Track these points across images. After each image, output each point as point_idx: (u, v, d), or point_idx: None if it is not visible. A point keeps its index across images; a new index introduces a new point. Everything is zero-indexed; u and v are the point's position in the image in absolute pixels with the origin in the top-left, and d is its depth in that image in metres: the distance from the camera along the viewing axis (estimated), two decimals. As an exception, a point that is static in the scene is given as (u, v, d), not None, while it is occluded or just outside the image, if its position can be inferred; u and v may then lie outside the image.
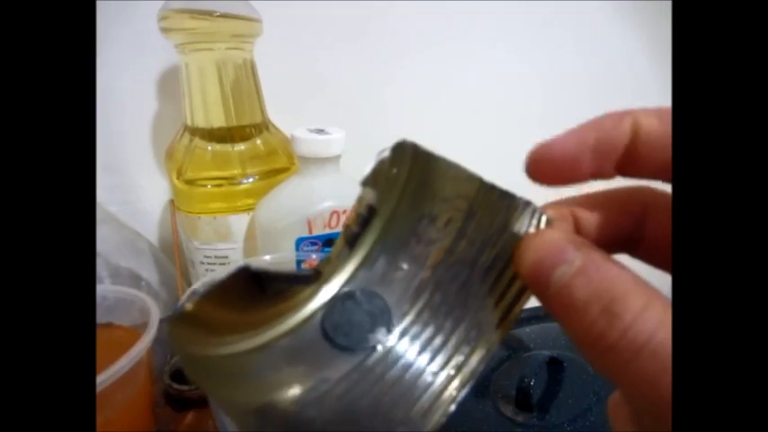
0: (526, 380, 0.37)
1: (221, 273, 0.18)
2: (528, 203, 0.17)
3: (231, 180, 0.51)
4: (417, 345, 0.17)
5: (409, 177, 0.18)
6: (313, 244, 0.48)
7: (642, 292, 0.14)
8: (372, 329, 0.17)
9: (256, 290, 0.18)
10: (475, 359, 0.17)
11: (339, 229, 0.45)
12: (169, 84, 0.58)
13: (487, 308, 0.17)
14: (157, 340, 0.36)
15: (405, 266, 0.17)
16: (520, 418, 0.37)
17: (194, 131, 0.51)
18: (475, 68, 0.69)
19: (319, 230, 0.48)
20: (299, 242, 0.48)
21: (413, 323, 0.17)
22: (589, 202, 0.19)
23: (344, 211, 0.47)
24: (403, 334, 0.17)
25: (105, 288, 0.43)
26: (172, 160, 0.52)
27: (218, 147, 0.51)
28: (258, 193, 0.51)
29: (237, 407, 0.16)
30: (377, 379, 0.16)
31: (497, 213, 0.17)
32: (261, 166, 0.53)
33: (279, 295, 0.18)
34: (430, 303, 0.17)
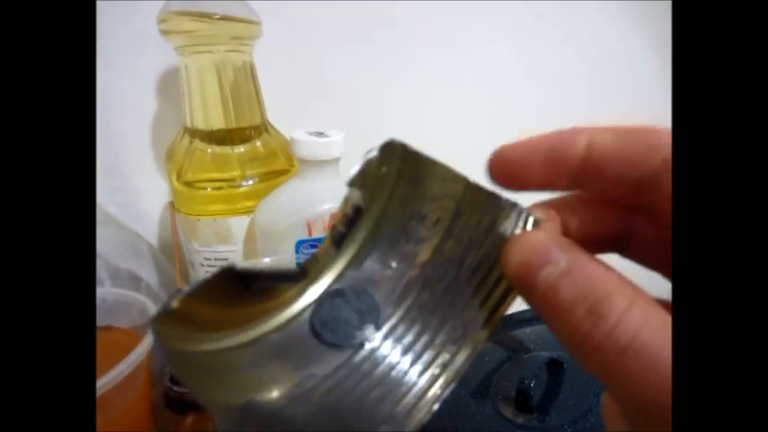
0: (526, 381, 0.37)
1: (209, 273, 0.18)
2: (514, 204, 0.18)
3: (231, 182, 0.51)
4: (404, 342, 0.17)
5: (399, 176, 0.18)
6: (313, 246, 0.48)
7: (626, 291, 0.14)
8: (360, 327, 0.17)
9: (243, 288, 0.18)
10: (460, 358, 0.17)
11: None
12: (169, 85, 0.58)
13: (474, 307, 0.17)
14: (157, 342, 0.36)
15: (394, 264, 0.18)
16: (520, 420, 0.37)
17: (194, 133, 0.51)
18: (475, 70, 0.69)
19: (319, 233, 0.48)
20: (299, 244, 0.48)
21: (400, 321, 0.17)
22: (577, 201, 0.19)
23: (344, 213, 0.47)
24: (390, 331, 0.17)
25: (105, 291, 0.43)
26: (171, 162, 0.52)
27: (217, 149, 0.51)
28: (258, 195, 0.51)
29: (222, 404, 0.16)
30: (363, 376, 0.16)
31: (484, 213, 0.18)
32: (260, 168, 0.53)
33: (265, 293, 0.18)
34: (418, 301, 0.17)
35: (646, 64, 0.75)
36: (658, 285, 0.18)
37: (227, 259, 0.53)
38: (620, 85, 0.76)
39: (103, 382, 0.31)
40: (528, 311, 0.46)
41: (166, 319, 0.17)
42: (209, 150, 0.51)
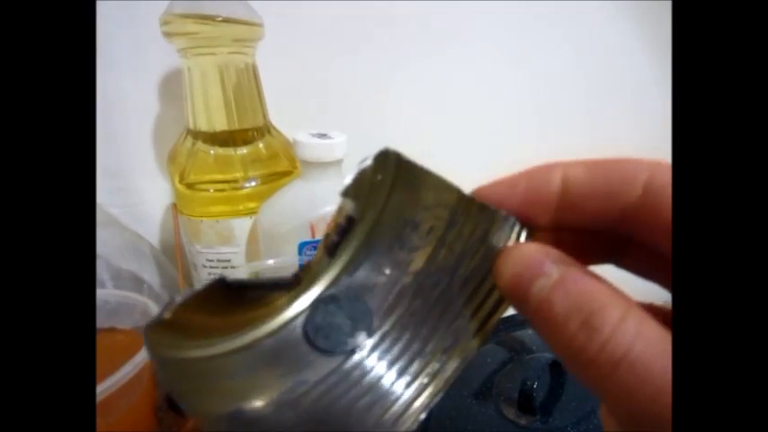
0: (529, 382, 0.37)
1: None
2: (507, 217, 0.18)
3: (233, 183, 0.51)
4: (395, 351, 0.17)
5: (393, 185, 0.18)
6: (315, 248, 0.48)
7: (619, 303, 0.14)
8: (353, 333, 0.17)
9: (235, 297, 0.18)
10: (449, 368, 0.17)
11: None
12: (171, 87, 0.58)
13: (465, 317, 0.18)
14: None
15: (387, 271, 0.18)
16: (522, 421, 0.36)
17: (196, 135, 0.51)
18: (476, 71, 0.69)
19: (322, 234, 0.47)
20: (302, 246, 0.48)
21: (392, 328, 0.17)
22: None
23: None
24: (382, 339, 0.17)
25: (107, 292, 0.44)
26: (174, 164, 0.52)
27: (220, 150, 0.51)
28: (260, 197, 0.51)
29: (211, 413, 0.16)
30: (353, 383, 0.17)
31: (477, 224, 0.18)
32: (263, 170, 0.53)
33: (257, 301, 0.18)
34: (410, 309, 0.17)
35: (646, 64, 0.75)
36: (652, 292, 0.18)
37: (229, 261, 0.53)
38: (620, 85, 0.76)
39: (107, 385, 0.31)
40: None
41: (158, 329, 0.17)
42: (212, 152, 0.51)
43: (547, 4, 0.68)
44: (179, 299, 0.17)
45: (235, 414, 0.16)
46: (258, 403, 0.16)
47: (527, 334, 0.46)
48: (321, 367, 0.17)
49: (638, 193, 0.16)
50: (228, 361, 0.16)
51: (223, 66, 0.50)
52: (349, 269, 0.18)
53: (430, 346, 0.17)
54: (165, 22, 0.47)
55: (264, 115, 0.55)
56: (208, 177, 0.51)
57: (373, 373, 0.17)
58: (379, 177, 0.18)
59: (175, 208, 0.55)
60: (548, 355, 0.40)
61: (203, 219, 0.51)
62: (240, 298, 0.18)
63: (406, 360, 0.17)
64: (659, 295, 0.18)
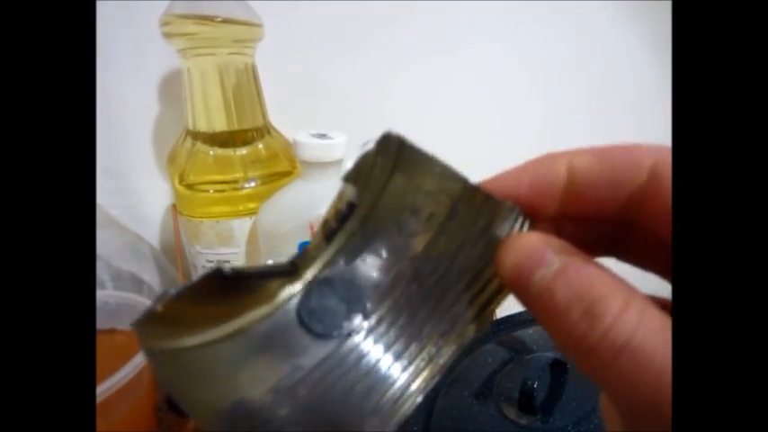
0: (529, 382, 0.37)
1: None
2: (512, 208, 0.18)
3: (233, 184, 0.51)
4: (391, 334, 0.17)
5: (394, 168, 0.18)
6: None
7: (621, 292, 0.14)
8: (348, 316, 0.17)
9: (231, 287, 0.18)
10: (445, 353, 0.17)
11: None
12: (171, 88, 0.59)
13: (463, 303, 0.18)
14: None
15: (384, 255, 0.18)
16: (523, 421, 0.36)
17: (196, 135, 0.51)
18: (476, 71, 0.70)
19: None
20: (302, 246, 0.48)
21: (388, 312, 0.17)
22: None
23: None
24: (378, 323, 0.17)
25: (107, 294, 0.43)
26: (174, 164, 0.52)
27: (219, 151, 0.51)
28: (260, 197, 0.51)
29: (209, 408, 0.16)
30: (350, 368, 0.16)
31: (481, 214, 0.18)
32: (263, 170, 0.53)
33: (254, 289, 0.18)
34: (406, 294, 0.17)
35: (646, 64, 0.75)
36: (654, 286, 0.18)
37: (229, 261, 0.53)
38: (620, 85, 0.76)
39: (107, 386, 0.31)
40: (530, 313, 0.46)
41: (149, 322, 0.16)
42: (212, 153, 0.51)
43: (547, 4, 0.68)
44: (173, 291, 0.17)
45: (234, 407, 0.16)
46: (256, 393, 0.16)
47: (527, 334, 0.46)
48: (317, 352, 0.16)
49: (644, 179, 0.16)
50: (223, 348, 0.16)
51: (222, 66, 0.50)
52: (344, 252, 0.17)
53: (426, 330, 0.17)
54: (164, 23, 0.47)
55: (264, 116, 0.55)
56: (207, 178, 0.51)
57: (369, 358, 0.17)
58: (380, 160, 0.18)
59: (175, 209, 0.55)
60: (548, 355, 0.40)
61: (203, 219, 0.51)
62: (236, 288, 0.18)
63: (402, 344, 0.17)
64: (660, 290, 0.18)
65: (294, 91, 0.62)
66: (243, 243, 0.53)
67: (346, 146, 0.47)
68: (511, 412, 0.37)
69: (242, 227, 0.52)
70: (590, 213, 0.18)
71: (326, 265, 0.17)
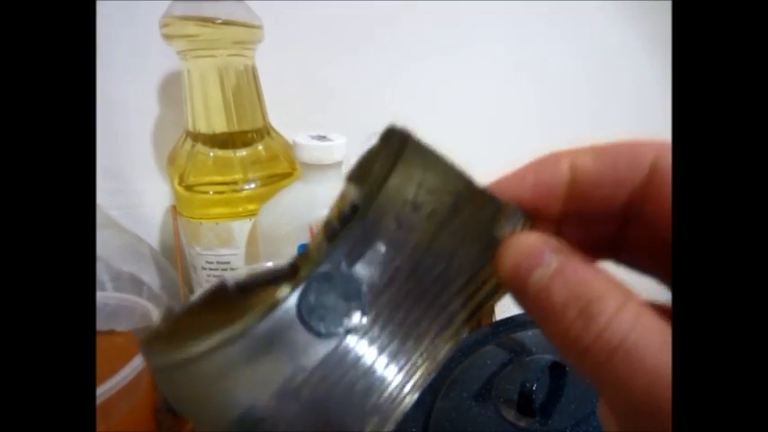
0: (528, 384, 0.37)
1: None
2: (516, 211, 0.18)
3: (233, 186, 0.51)
4: (388, 331, 0.17)
5: (396, 162, 0.18)
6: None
7: (617, 293, 0.14)
8: (347, 313, 0.17)
9: (234, 298, 0.18)
10: (441, 349, 0.17)
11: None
12: (171, 89, 0.59)
13: (459, 301, 0.18)
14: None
15: (383, 249, 0.17)
16: (522, 423, 0.36)
17: (196, 137, 0.51)
18: (476, 71, 0.70)
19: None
20: (302, 248, 0.47)
21: (386, 308, 0.17)
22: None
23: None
24: (376, 319, 0.17)
25: (106, 295, 0.43)
26: (173, 166, 0.52)
27: (219, 152, 0.51)
28: (260, 199, 0.51)
29: (217, 418, 0.16)
30: (350, 367, 0.16)
31: (483, 214, 0.18)
32: (262, 172, 0.53)
33: (255, 294, 0.18)
34: (404, 289, 0.17)
35: (646, 64, 0.75)
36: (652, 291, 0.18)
37: (229, 263, 0.53)
38: (620, 85, 0.76)
39: (106, 387, 0.31)
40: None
41: (155, 341, 0.17)
42: (212, 154, 0.51)
43: (547, 5, 0.68)
44: (176, 309, 0.17)
45: (242, 418, 0.16)
46: (262, 399, 0.16)
47: (527, 335, 0.46)
48: (317, 351, 0.16)
49: (645, 174, 0.16)
50: (226, 353, 0.16)
51: (222, 68, 0.50)
52: (346, 252, 0.17)
53: (423, 327, 0.17)
54: (164, 24, 0.47)
55: (264, 117, 0.55)
56: (207, 179, 0.51)
57: (368, 356, 0.17)
58: (383, 154, 0.18)
59: (175, 210, 0.55)
60: (547, 357, 0.40)
61: (203, 221, 0.51)
62: (240, 297, 0.18)
63: (399, 341, 0.17)
64: (659, 295, 0.18)
65: (294, 92, 0.62)
66: (242, 244, 0.53)
67: (346, 147, 0.47)
68: (510, 414, 0.37)
69: (241, 228, 0.52)
70: (593, 212, 0.18)
71: (325, 260, 0.17)
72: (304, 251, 0.18)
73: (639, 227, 0.17)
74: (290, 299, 0.17)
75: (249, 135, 0.53)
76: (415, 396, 0.16)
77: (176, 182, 0.52)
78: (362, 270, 0.17)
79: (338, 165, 0.47)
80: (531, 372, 0.38)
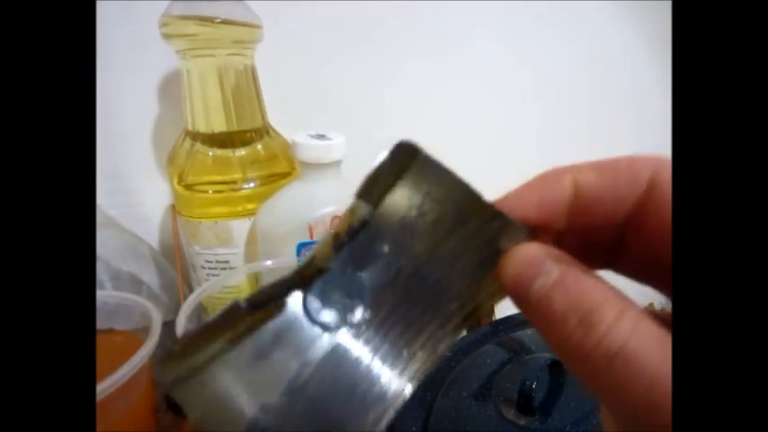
0: (528, 383, 0.37)
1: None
2: (521, 228, 0.18)
3: (232, 185, 0.51)
4: (387, 327, 0.18)
5: (404, 173, 0.18)
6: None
7: (616, 301, 0.15)
8: (351, 307, 0.18)
9: (246, 312, 0.18)
10: (439, 344, 0.18)
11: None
12: (170, 88, 0.59)
13: (458, 303, 0.18)
14: (159, 345, 0.36)
15: (386, 251, 0.18)
16: (522, 422, 0.36)
17: (195, 136, 0.51)
18: (476, 71, 0.70)
19: (319, 234, 0.48)
20: (301, 247, 0.48)
21: (386, 305, 0.18)
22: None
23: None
24: (375, 316, 0.18)
25: (106, 294, 0.43)
26: (173, 165, 0.52)
27: (218, 152, 0.51)
28: (259, 198, 0.51)
29: (233, 425, 0.16)
30: (352, 362, 0.17)
31: (488, 228, 0.18)
32: (262, 171, 0.53)
33: (267, 307, 0.18)
34: (404, 290, 0.18)
35: (646, 64, 0.75)
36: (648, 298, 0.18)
37: (228, 262, 0.53)
38: (620, 85, 0.76)
39: (105, 386, 0.31)
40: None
41: (169, 362, 0.17)
42: (211, 153, 0.51)
43: (547, 4, 0.68)
44: (191, 330, 0.17)
45: (252, 424, 0.16)
46: (272, 398, 0.16)
47: (526, 334, 0.46)
48: (322, 345, 0.17)
49: (643, 190, 0.17)
50: (235, 355, 0.17)
51: (222, 67, 0.50)
52: (352, 262, 0.18)
53: (421, 323, 0.18)
54: (164, 24, 0.47)
55: (263, 116, 0.55)
56: (206, 179, 0.51)
57: (369, 352, 0.17)
58: (392, 166, 0.18)
59: (174, 209, 0.55)
60: (547, 356, 0.40)
61: (202, 220, 0.51)
62: (251, 313, 0.18)
63: (398, 338, 0.18)
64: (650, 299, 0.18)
65: (293, 91, 0.62)
66: (242, 244, 0.53)
67: (345, 146, 0.47)
68: (509, 413, 0.37)
69: (241, 227, 0.52)
70: (594, 227, 0.18)
71: (331, 260, 0.18)
72: (310, 260, 0.18)
73: (638, 238, 0.18)
74: (297, 298, 0.18)
75: (248, 134, 0.53)
76: (411, 390, 0.17)
77: (175, 181, 0.52)
78: (366, 271, 0.18)
79: (337, 164, 0.47)
80: (530, 370, 0.38)
